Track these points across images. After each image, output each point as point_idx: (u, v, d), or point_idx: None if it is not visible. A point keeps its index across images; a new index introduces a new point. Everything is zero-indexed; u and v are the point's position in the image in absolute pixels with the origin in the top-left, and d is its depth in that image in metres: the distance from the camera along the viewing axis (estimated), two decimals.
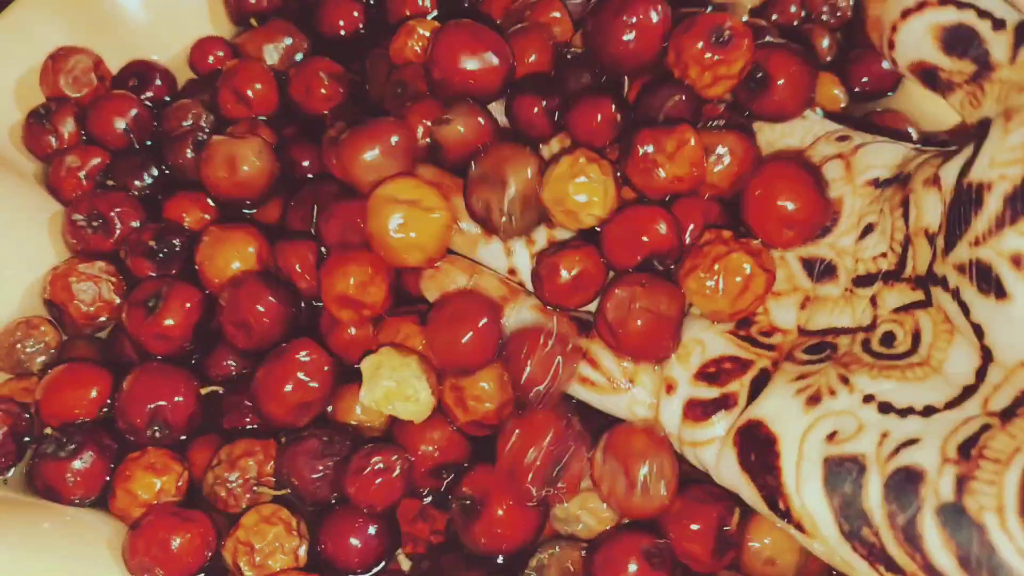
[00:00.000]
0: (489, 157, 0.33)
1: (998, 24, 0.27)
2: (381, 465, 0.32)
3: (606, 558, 0.30)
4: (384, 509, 0.32)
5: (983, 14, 0.28)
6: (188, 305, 0.35)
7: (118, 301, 0.38)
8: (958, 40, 0.28)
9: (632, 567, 0.30)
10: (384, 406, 0.32)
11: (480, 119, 0.34)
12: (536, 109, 0.34)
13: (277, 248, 0.37)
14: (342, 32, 0.47)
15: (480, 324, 0.32)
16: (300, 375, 0.33)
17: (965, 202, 0.26)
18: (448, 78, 0.34)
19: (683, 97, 0.33)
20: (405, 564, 0.34)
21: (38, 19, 0.43)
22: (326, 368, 0.34)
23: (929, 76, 0.29)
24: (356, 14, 0.48)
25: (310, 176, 0.41)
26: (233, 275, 0.36)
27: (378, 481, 0.31)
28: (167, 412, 0.34)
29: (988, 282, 0.25)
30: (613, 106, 0.34)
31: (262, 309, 0.34)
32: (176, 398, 0.34)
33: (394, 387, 0.32)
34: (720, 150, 0.32)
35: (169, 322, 0.35)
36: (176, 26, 0.47)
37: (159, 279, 0.36)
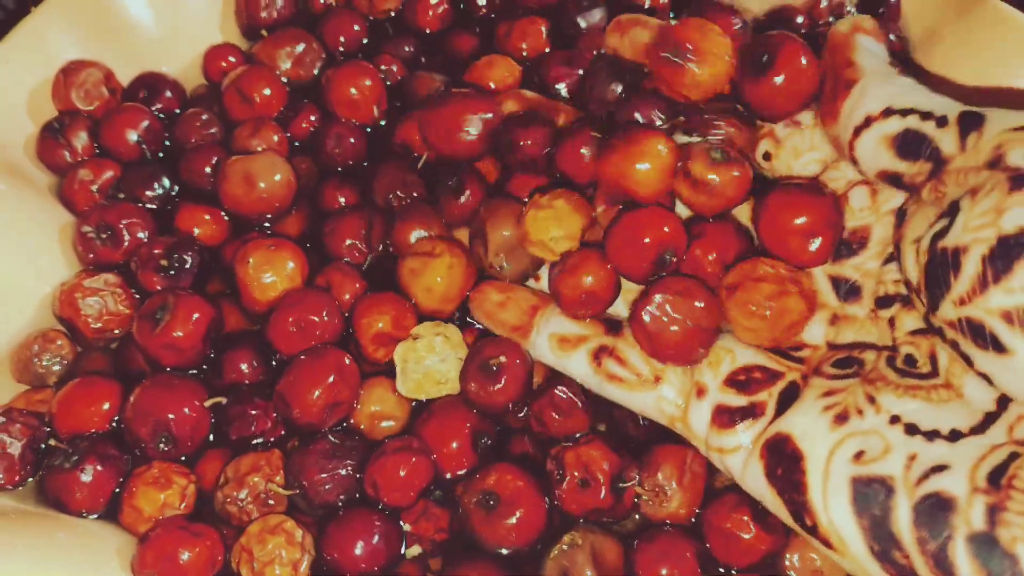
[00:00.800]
0: (478, 216, 0.36)
1: (941, 121, 0.28)
2: (407, 452, 0.33)
3: (660, 553, 0.32)
4: (408, 502, 0.33)
5: (925, 116, 0.29)
6: (196, 316, 0.35)
7: (127, 312, 0.38)
8: (909, 144, 0.29)
9: (683, 565, 0.32)
10: (419, 394, 0.36)
11: (469, 191, 0.38)
12: (519, 154, 0.37)
13: (330, 275, 0.38)
14: (342, 47, 0.48)
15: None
16: (333, 376, 0.34)
17: (942, 264, 0.26)
18: (437, 148, 0.38)
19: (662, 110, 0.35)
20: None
21: (50, 32, 0.44)
22: (355, 370, 0.35)
23: (895, 180, 0.30)
24: (357, 28, 0.48)
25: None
26: (283, 290, 0.37)
27: (404, 470, 0.32)
28: (171, 425, 0.34)
29: (984, 338, 0.25)
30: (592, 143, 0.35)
31: (327, 316, 0.36)
32: (181, 411, 0.34)
33: (422, 379, 0.35)
34: (713, 183, 0.32)
35: (178, 333, 0.35)
36: (187, 39, 0.48)
37: (166, 291, 0.36)
